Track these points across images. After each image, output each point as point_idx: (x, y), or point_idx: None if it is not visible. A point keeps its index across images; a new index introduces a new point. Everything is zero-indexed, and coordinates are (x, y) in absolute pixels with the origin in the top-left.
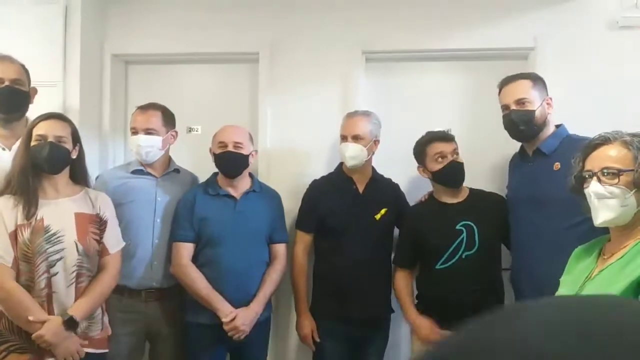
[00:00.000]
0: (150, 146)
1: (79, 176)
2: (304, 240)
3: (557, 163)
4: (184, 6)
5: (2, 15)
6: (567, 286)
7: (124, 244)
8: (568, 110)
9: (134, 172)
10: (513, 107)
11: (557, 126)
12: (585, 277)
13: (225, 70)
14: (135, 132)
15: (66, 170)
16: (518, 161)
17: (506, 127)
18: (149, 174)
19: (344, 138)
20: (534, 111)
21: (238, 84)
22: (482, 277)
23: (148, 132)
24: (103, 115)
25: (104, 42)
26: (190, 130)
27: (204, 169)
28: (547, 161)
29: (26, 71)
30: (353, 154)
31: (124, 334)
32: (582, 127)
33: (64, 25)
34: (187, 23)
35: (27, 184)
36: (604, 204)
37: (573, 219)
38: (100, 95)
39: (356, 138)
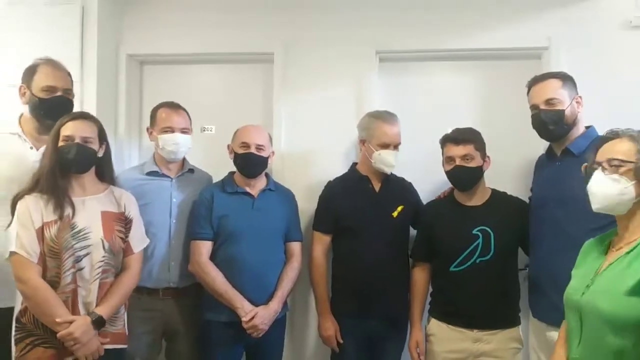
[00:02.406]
0: (186, 145)
1: (105, 174)
2: (322, 242)
3: (586, 164)
4: (199, 7)
5: (20, 16)
6: (577, 279)
7: (148, 241)
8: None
9: (149, 173)
10: (542, 107)
11: (587, 127)
12: (595, 272)
13: (240, 71)
14: (170, 130)
15: (92, 169)
16: (545, 161)
17: (535, 127)
18: (164, 175)
19: (385, 146)
20: (563, 110)
21: (252, 84)
22: (496, 283)
23: (184, 131)
24: (118, 115)
25: (120, 43)
26: (204, 130)
27: (218, 168)
28: (576, 161)
29: (70, 77)
30: (395, 162)
31: (142, 332)
32: (595, 126)
33: (80, 26)
34: (202, 23)
35: (56, 184)
36: (602, 191)
37: (600, 221)
38: (116, 96)
39: (397, 146)
